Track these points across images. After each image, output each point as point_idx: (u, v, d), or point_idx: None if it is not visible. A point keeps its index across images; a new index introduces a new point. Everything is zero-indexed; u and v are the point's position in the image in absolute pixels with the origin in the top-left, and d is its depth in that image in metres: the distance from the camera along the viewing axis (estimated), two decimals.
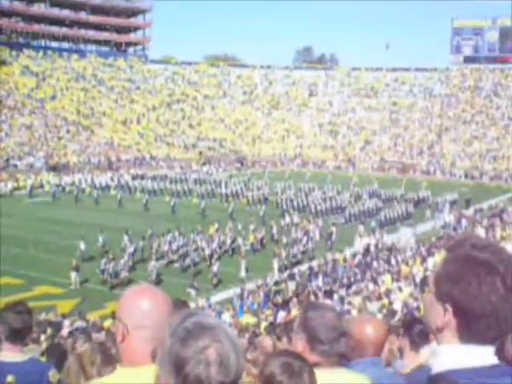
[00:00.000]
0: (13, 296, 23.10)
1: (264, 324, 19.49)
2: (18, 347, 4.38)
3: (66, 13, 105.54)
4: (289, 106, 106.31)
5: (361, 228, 40.30)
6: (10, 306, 4.49)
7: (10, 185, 60.19)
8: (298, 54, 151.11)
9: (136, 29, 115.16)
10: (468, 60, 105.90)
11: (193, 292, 28.05)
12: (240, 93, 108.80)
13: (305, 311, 3.19)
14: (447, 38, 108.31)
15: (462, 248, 1.94)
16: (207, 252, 34.60)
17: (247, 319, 22.07)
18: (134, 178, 66.43)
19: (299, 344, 3.08)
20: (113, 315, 18.25)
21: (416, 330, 4.88)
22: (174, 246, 34.83)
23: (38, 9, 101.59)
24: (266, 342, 8.91)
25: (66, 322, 18.69)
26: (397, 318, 17.95)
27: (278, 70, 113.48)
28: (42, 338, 13.78)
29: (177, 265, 33.63)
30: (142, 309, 2.35)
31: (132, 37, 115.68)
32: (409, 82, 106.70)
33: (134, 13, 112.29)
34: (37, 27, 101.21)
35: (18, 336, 4.38)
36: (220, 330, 1.74)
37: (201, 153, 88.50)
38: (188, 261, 33.46)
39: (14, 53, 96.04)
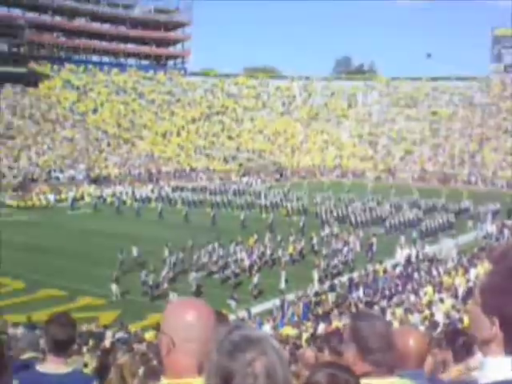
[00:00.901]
0: (56, 307, 23.35)
1: (305, 336, 19.38)
2: (62, 359, 4.40)
3: (106, 27, 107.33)
4: (328, 117, 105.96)
5: (402, 239, 40.01)
6: (53, 317, 4.51)
7: (53, 197, 61.07)
8: (337, 64, 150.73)
9: (175, 42, 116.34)
10: (509, 69, 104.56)
11: (233, 303, 28.08)
12: (279, 104, 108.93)
13: (354, 321, 3.16)
14: (488, 47, 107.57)
15: (506, 260, 1.92)
16: (247, 263, 34.65)
17: (288, 331, 21.98)
18: (174, 189, 66.97)
19: (350, 354, 3.06)
20: (156, 327, 18.35)
21: (459, 342, 4.82)
22: (214, 257, 34.94)
23: (79, 23, 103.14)
24: (308, 353, 8.86)
25: (109, 333, 18.80)
26: (439, 330, 17.72)
27: (317, 81, 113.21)
28: (84, 349, 13.90)
29: (217, 276, 33.69)
30: (187, 322, 2.36)
31: (171, 50, 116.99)
32: (449, 91, 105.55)
33: (173, 26, 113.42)
34: (78, 41, 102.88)
35: (62, 348, 4.39)
36: (266, 342, 1.75)
37: (240, 164, 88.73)
38: (228, 272, 33.51)
39: (55, 67, 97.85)
